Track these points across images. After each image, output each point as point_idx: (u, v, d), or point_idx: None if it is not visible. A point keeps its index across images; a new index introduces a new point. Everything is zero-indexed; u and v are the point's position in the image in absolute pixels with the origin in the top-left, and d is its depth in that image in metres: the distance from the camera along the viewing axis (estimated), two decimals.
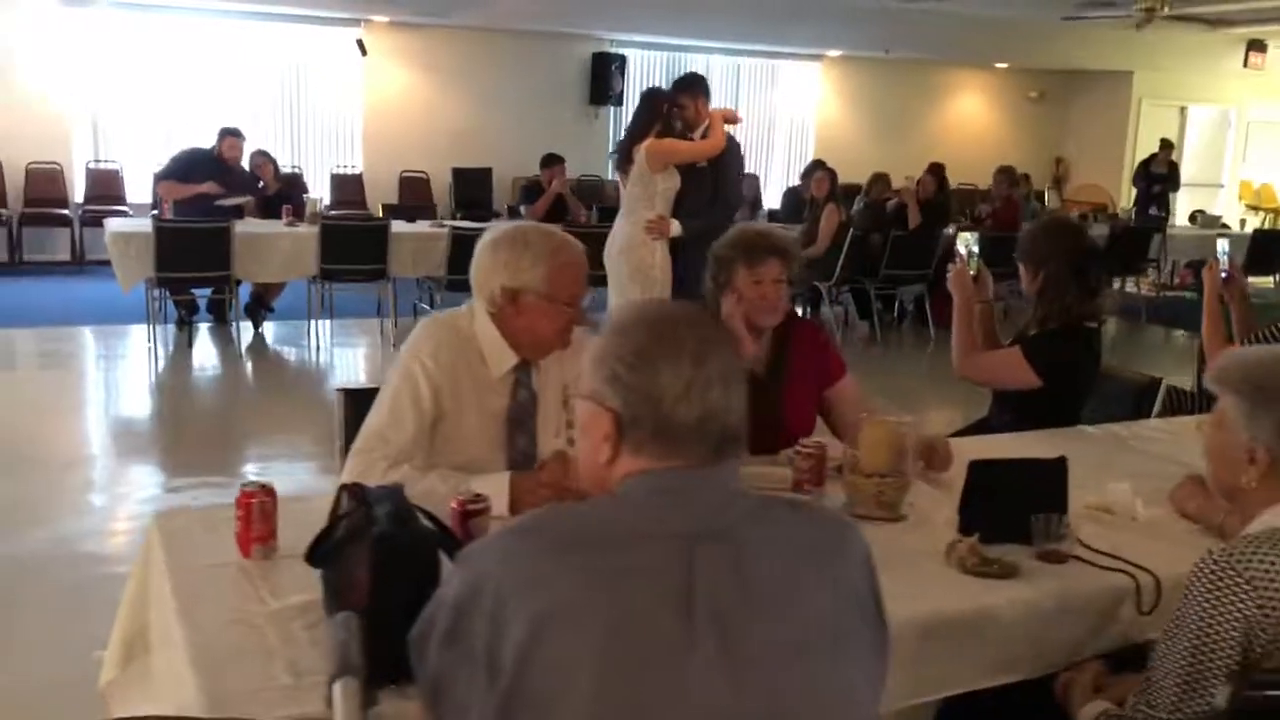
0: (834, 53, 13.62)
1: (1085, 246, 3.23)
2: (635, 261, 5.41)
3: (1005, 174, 9.65)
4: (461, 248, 7.59)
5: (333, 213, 7.95)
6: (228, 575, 1.88)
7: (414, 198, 11.52)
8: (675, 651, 1.21)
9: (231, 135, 7.89)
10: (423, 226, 8.12)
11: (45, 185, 10.46)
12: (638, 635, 1.22)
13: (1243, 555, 1.61)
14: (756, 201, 9.82)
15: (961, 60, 14.38)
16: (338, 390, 2.80)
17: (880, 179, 9.71)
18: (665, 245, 5.48)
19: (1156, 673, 1.69)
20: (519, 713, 1.23)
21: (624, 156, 5.65)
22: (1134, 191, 13.12)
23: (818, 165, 9.00)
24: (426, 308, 8.11)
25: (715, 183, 5.64)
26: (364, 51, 11.30)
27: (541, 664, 1.22)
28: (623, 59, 12.61)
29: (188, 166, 7.77)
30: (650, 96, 5.73)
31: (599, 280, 4.95)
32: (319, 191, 11.62)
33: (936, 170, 9.38)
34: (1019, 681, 1.99)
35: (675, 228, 5.50)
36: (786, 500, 1.50)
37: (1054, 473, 2.24)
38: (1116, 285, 9.24)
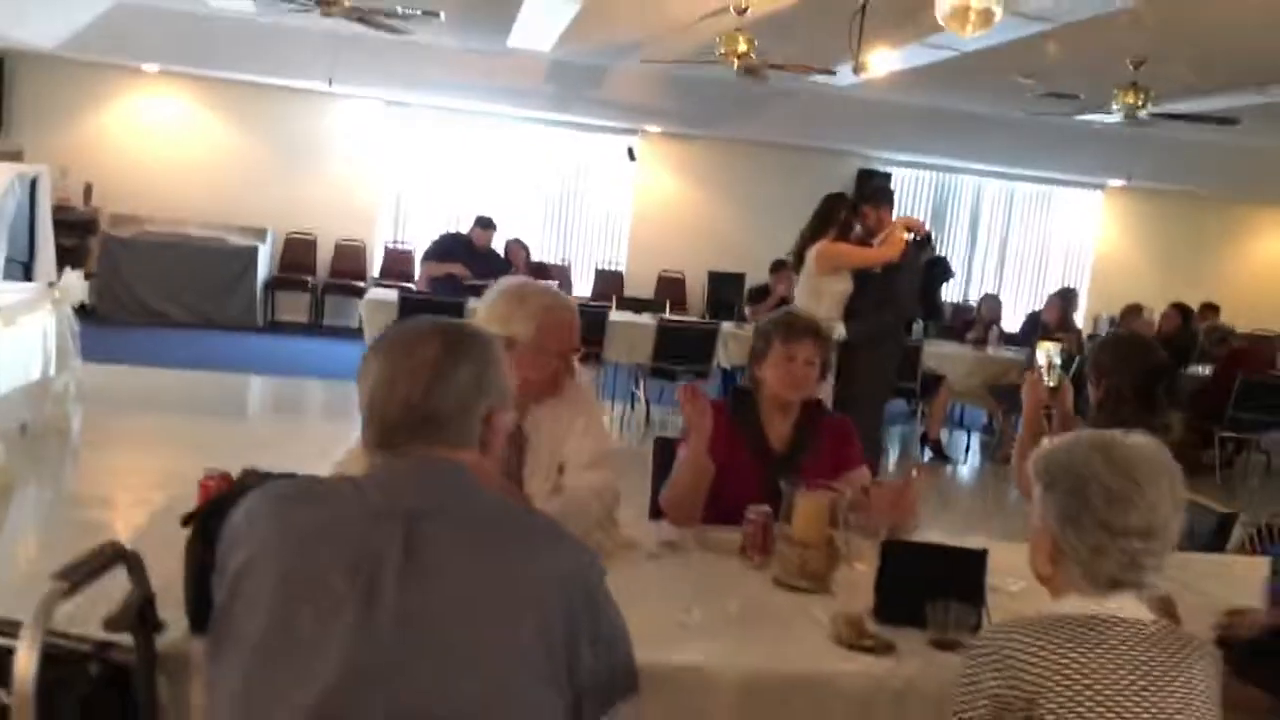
0: (1117, 182, 13.05)
1: (1152, 364, 3.08)
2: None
3: (1175, 308, 8.98)
4: (668, 339, 7.96)
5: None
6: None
7: (670, 296, 12.07)
8: (333, 609, 1.39)
9: (480, 226, 8.75)
10: (639, 316, 8.55)
11: (349, 259, 11.89)
12: (307, 589, 1.41)
13: (1003, 633, 1.58)
14: (995, 321, 9.55)
15: (1261, 198, 13.32)
16: None
17: (1133, 310, 9.19)
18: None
19: None
20: (221, 644, 1.47)
21: (797, 256, 5.82)
22: None
23: (1057, 293, 8.69)
24: (637, 393, 8.50)
25: (886, 288, 5.68)
26: (633, 157, 12.12)
27: (239, 601, 1.45)
28: (887, 177, 12.70)
29: (443, 249, 8.66)
30: (828, 201, 5.87)
31: None
32: (584, 284, 12.49)
33: (1181, 306, 8.79)
34: None
35: (840, 330, 5.57)
36: (514, 511, 1.59)
37: (972, 563, 2.20)
38: None
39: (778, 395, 2.93)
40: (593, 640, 1.49)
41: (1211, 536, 3.12)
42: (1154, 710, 1.52)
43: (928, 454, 8.25)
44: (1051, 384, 3.31)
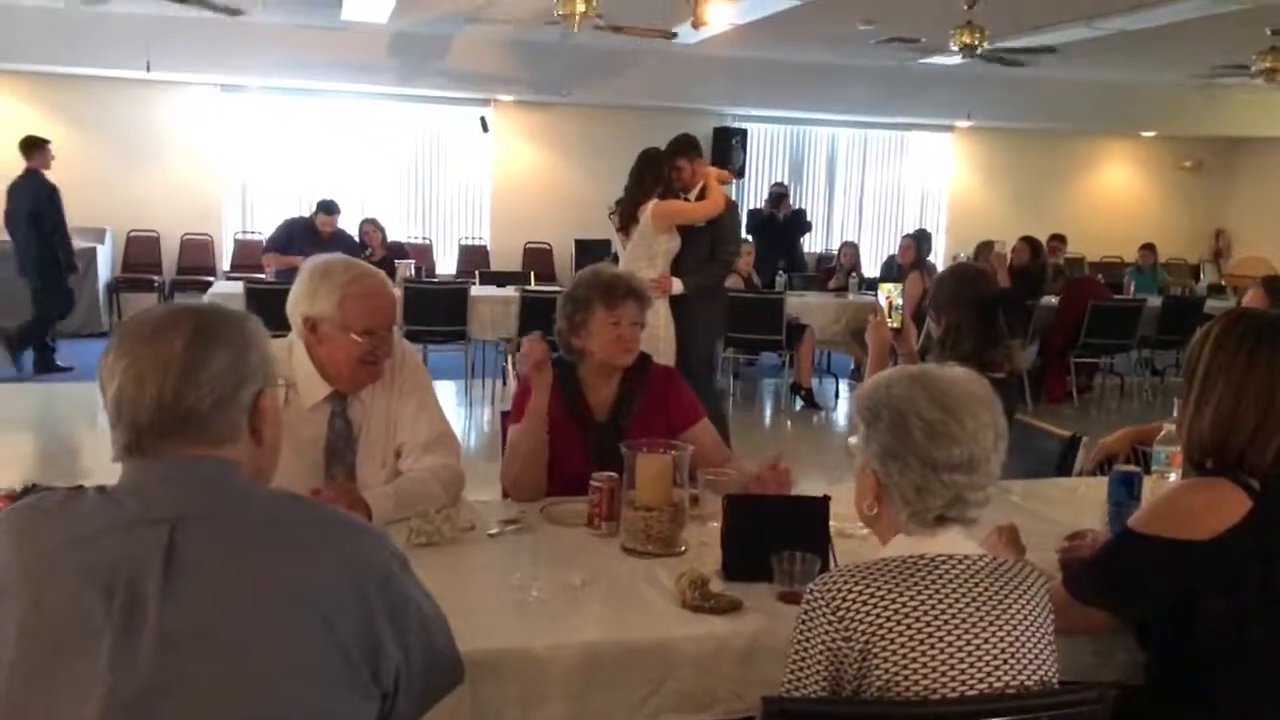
0: (964, 123, 13.36)
1: (989, 295, 3.10)
2: (657, 321, 5.45)
3: (1025, 242, 9.28)
4: (532, 310, 7.82)
5: (416, 277, 8.30)
6: None
7: (537, 267, 11.90)
8: (91, 631, 1.25)
9: (323, 211, 8.42)
10: (501, 290, 8.37)
11: (196, 254, 11.40)
12: (57, 614, 1.26)
13: (834, 585, 1.53)
14: (855, 268, 9.68)
15: (1104, 129, 13.82)
16: None
17: (987, 246, 9.41)
18: (667, 303, 5.55)
19: None
20: None
21: (628, 216, 5.68)
22: None
23: (911, 234, 8.84)
24: (507, 368, 8.34)
25: (713, 241, 5.69)
26: (485, 129, 11.88)
27: None
28: (744, 133, 12.75)
29: (287, 237, 8.30)
30: (651, 157, 5.73)
31: None
32: (448, 262, 12.24)
33: (1030, 240, 9.04)
34: None
35: (677, 285, 5.59)
36: (290, 506, 1.42)
37: (814, 511, 2.16)
38: None
39: (607, 362, 2.82)
40: (398, 632, 1.38)
41: (1058, 461, 3.16)
42: (987, 645, 1.49)
43: (799, 403, 8.33)
44: (894, 325, 3.32)
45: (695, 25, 6.60)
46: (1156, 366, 9.68)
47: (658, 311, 5.44)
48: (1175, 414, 2.52)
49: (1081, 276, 9.40)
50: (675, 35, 7.89)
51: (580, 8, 6.97)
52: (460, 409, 8.15)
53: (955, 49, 8.17)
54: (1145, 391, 9.42)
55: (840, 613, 1.49)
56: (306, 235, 8.21)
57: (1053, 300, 8.96)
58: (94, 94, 10.90)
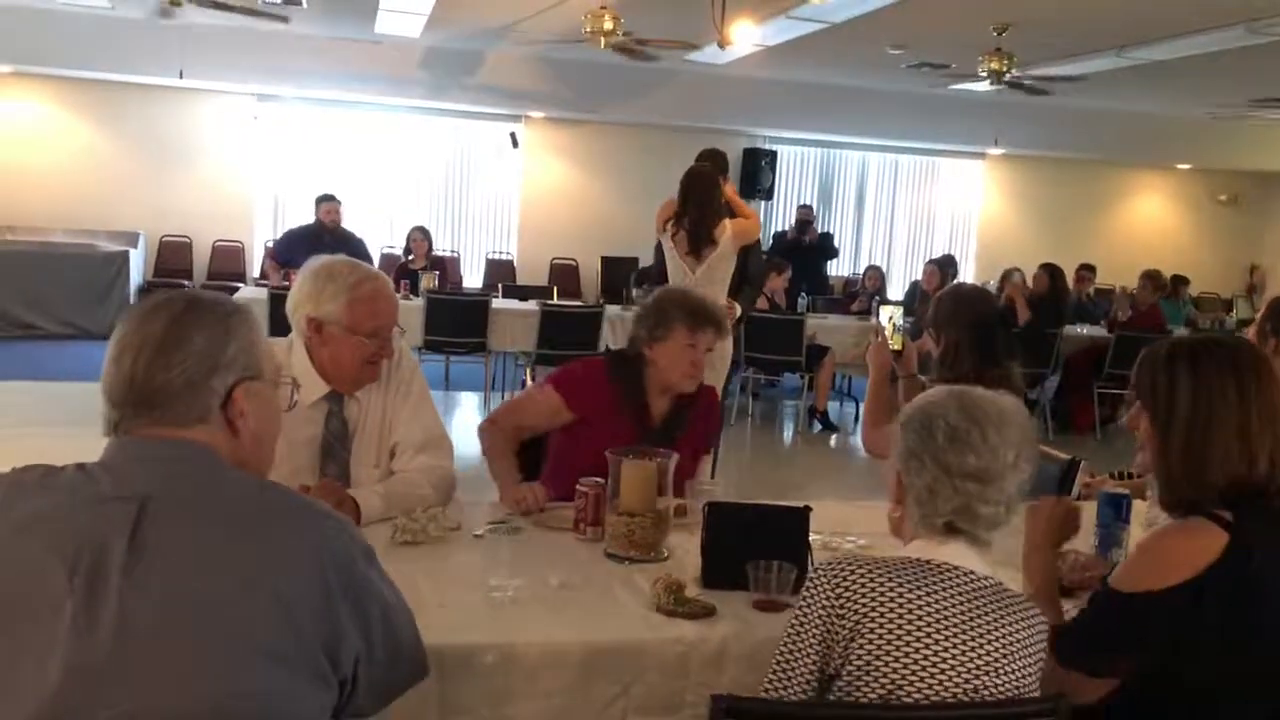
0: (995, 150, 13.31)
1: (988, 315, 3.09)
2: (728, 345, 5.18)
3: (1150, 279, 9.20)
4: (552, 324, 7.86)
5: (439, 288, 8.29)
6: None
7: (563, 283, 11.96)
8: (52, 603, 1.27)
9: (326, 201, 8.42)
10: (523, 304, 8.40)
11: (227, 260, 11.54)
12: (21, 584, 1.29)
13: (838, 567, 1.58)
14: (879, 292, 9.66)
15: (1137, 160, 13.73)
16: None
17: (1008, 275, 9.35)
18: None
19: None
20: None
21: (704, 239, 5.31)
22: None
23: (936, 260, 8.81)
24: (528, 381, 8.37)
25: (746, 264, 5.59)
26: (515, 144, 11.97)
27: None
28: (773, 154, 12.77)
29: (287, 248, 8.26)
30: (712, 175, 5.42)
31: None
32: (475, 275, 12.32)
33: (1050, 268, 8.96)
34: None
35: (737, 310, 5.46)
36: (257, 491, 1.43)
37: (795, 521, 2.16)
38: None
39: (674, 384, 2.87)
40: (359, 621, 1.39)
41: (1056, 484, 3.13)
42: (973, 657, 1.51)
43: (816, 425, 8.31)
44: (895, 347, 3.30)
45: (721, 45, 6.63)
46: None
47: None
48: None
49: (1149, 307, 9.18)
50: (697, 46, 7.94)
51: (607, 25, 7.05)
52: (479, 419, 8.18)
53: (984, 75, 8.16)
54: None
55: (839, 589, 1.55)
56: (310, 238, 8.02)
57: (1080, 330, 8.90)
58: (130, 99, 11.09)
